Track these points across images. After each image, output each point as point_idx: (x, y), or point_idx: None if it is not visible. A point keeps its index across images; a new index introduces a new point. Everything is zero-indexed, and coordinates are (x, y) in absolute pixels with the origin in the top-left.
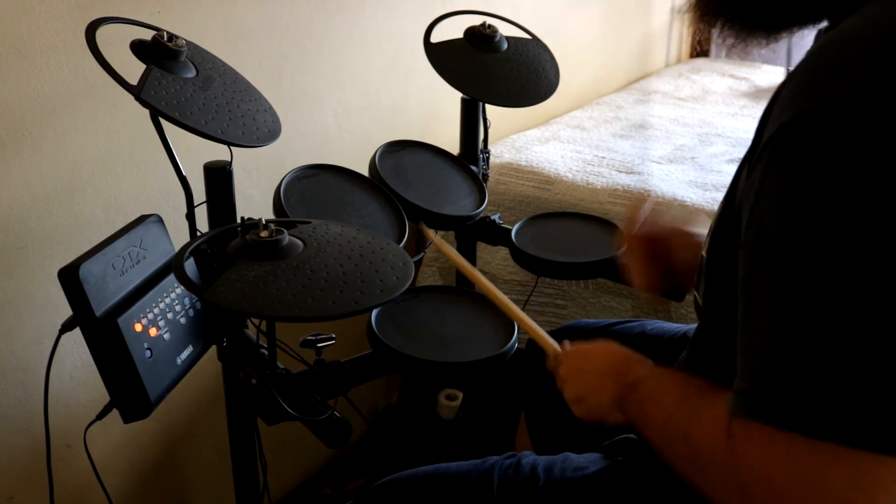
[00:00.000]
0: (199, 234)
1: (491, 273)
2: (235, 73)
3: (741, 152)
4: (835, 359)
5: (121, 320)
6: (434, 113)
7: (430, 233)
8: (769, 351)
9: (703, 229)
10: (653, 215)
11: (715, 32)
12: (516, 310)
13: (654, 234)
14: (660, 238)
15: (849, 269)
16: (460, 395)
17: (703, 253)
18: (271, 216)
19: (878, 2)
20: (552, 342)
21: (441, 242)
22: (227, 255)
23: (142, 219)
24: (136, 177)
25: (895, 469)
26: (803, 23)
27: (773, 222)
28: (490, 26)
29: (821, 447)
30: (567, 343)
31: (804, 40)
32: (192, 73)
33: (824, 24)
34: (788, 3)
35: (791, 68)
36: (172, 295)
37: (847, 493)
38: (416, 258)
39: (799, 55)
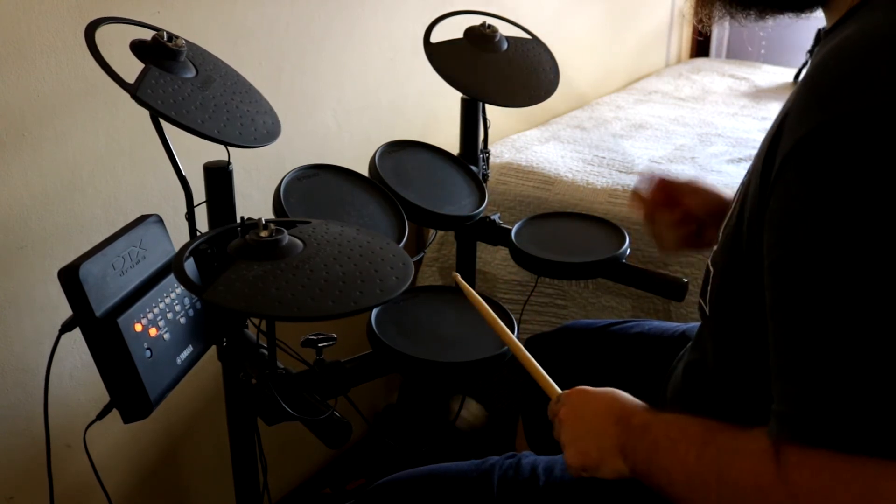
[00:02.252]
0: (199, 234)
1: (491, 273)
2: (237, 73)
3: (741, 152)
4: (886, 374)
5: (121, 320)
6: (434, 113)
7: (458, 277)
8: (816, 373)
9: (710, 184)
10: (660, 181)
11: (711, 8)
12: (525, 353)
13: (667, 194)
14: (675, 196)
15: (881, 290)
16: (475, 403)
17: (710, 263)
18: (271, 216)
19: (879, 5)
20: (555, 387)
21: (466, 287)
22: (226, 255)
23: (142, 219)
24: (136, 177)
25: None
26: (792, 8)
27: (806, 242)
28: (490, 26)
29: (885, 465)
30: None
31: (805, 43)
32: (191, 74)
33: (813, 14)
34: None
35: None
36: (172, 295)
37: None
38: (416, 258)
39: (799, 56)
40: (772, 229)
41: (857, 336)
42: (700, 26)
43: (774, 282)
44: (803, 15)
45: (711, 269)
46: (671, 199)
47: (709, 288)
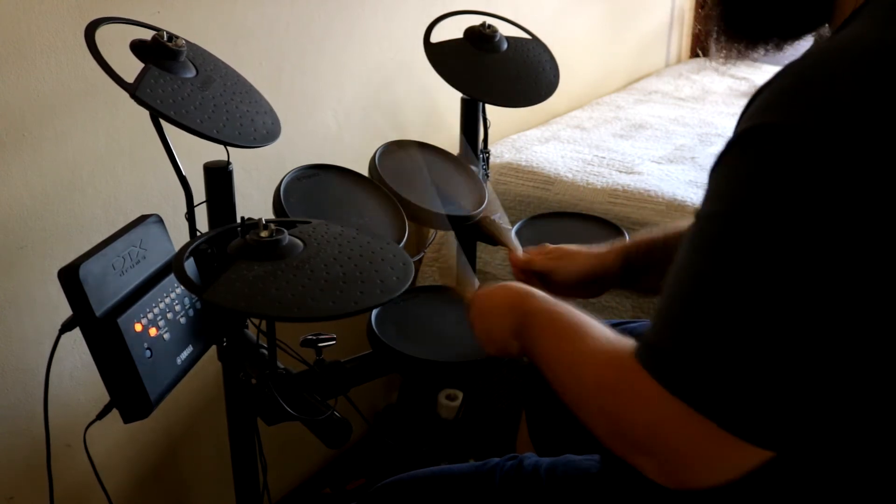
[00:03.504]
0: (199, 234)
1: (491, 273)
2: (237, 74)
3: None
4: (726, 340)
5: (121, 320)
6: (434, 113)
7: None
8: (675, 316)
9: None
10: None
11: (733, 50)
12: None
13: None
14: (530, 264)
15: (757, 271)
16: (460, 394)
17: None
18: (271, 216)
19: (868, 13)
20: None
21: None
22: (227, 255)
23: (142, 219)
24: (136, 177)
25: (744, 452)
26: (808, 30)
27: (709, 212)
28: (490, 26)
29: (690, 414)
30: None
31: (805, 43)
32: (191, 74)
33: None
34: (770, 18)
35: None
36: (172, 295)
37: (690, 451)
38: (416, 258)
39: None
40: (713, 185)
41: (713, 301)
42: (724, 63)
43: (697, 228)
44: (814, 34)
45: None
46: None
47: None
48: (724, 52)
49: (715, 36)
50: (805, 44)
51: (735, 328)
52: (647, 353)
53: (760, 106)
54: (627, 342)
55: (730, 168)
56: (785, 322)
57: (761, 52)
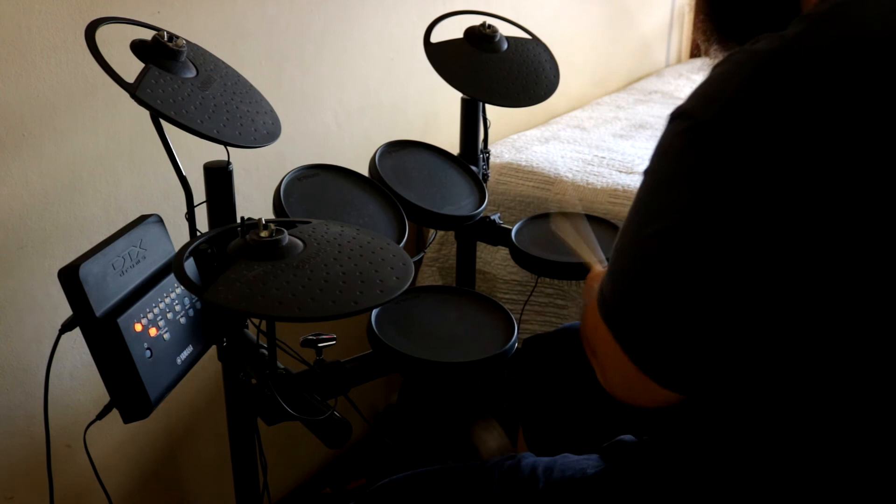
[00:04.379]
0: (199, 234)
1: (491, 273)
2: (237, 74)
3: None
4: (641, 287)
5: (121, 320)
6: (434, 113)
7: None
8: (611, 263)
9: None
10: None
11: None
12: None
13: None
14: None
15: (666, 222)
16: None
17: None
18: (271, 216)
19: (801, 18)
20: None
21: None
22: (227, 254)
23: (142, 219)
24: (136, 177)
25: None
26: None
27: (644, 175)
28: (490, 26)
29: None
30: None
31: None
32: (191, 74)
33: None
34: (755, 21)
35: None
36: (172, 295)
37: (613, 370)
38: (416, 258)
39: None
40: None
41: (633, 250)
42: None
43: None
44: None
45: None
46: None
47: None
48: (718, 54)
49: (708, 39)
50: None
51: (648, 275)
52: (599, 297)
53: (695, 93)
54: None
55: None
56: (689, 272)
57: None
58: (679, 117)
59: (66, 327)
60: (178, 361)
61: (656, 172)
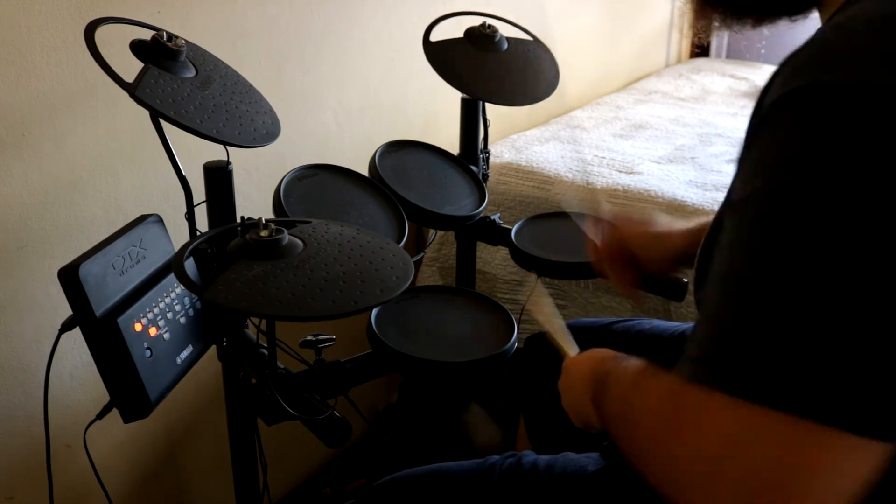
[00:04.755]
0: (198, 233)
1: (491, 273)
2: (237, 74)
3: None
4: (800, 329)
5: (121, 320)
6: (434, 113)
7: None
8: (731, 319)
9: (661, 219)
10: (610, 225)
11: (709, 19)
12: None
13: (616, 240)
14: (623, 242)
15: (825, 244)
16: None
17: (697, 255)
18: (271, 216)
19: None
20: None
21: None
22: (226, 254)
23: (142, 219)
24: (136, 177)
25: (842, 450)
26: (787, 13)
27: (754, 191)
28: (490, 26)
29: (775, 417)
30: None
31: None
32: (191, 73)
33: (809, 16)
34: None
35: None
36: (172, 295)
37: (778, 465)
38: (416, 258)
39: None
40: (746, 167)
41: (779, 289)
42: (697, 39)
43: (733, 222)
44: (798, 18)
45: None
46: (622, 250)
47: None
48: (706, 20)
49: (695, 6)
50: (787, 31)
51: (806, 315)
52: (706, 369)
53: (788, 78)
54: (669, 375)
55: (769, 140)
56: (860, 297)
57: (740, 27)
58: (821, 92)
59: (66, 327)
60: (178, 361)
61: (789, 181)
